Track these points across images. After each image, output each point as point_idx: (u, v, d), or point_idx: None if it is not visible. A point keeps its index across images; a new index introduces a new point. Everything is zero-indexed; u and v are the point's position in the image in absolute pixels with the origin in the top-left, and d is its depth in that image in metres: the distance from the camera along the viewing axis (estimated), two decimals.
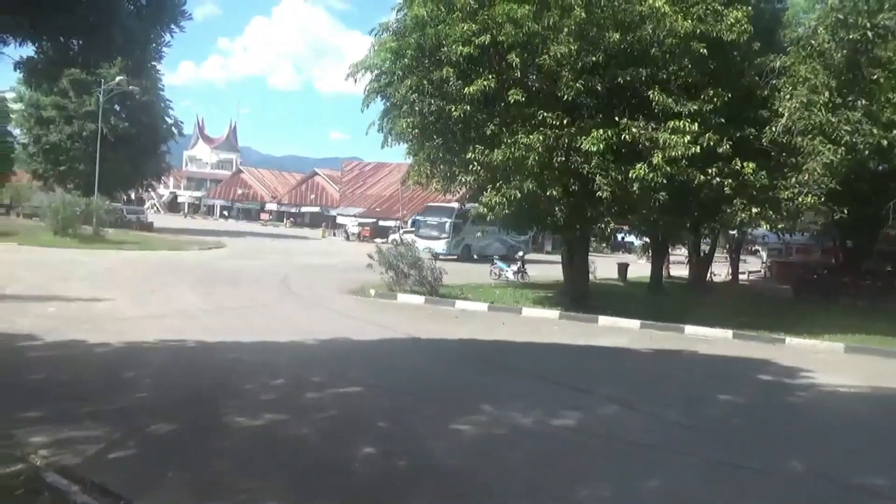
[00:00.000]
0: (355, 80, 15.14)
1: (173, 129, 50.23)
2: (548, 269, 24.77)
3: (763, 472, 5.69)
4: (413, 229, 38.90)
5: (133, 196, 66.23)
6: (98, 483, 4.45)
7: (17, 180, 53.79)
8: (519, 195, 12.72)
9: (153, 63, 7.41)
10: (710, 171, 12.66)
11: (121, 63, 8.41)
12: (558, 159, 12.72)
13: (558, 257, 18.24)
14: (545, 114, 12.66)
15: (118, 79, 34.25)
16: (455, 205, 31.42)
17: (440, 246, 33.20)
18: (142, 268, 19.73)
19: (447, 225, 35.07)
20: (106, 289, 14.34)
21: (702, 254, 26.71)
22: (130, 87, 36.20)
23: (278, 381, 7.58)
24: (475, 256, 34.79)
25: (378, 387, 7.67)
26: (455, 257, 33.39)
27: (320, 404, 6.75)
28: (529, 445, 5.99)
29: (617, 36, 12.40)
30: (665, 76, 12.90)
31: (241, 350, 9.23)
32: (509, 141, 12.62)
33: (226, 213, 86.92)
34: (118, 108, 43.99)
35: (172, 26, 6.80)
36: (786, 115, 12.80)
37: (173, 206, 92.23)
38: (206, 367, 8.13)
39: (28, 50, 6.91)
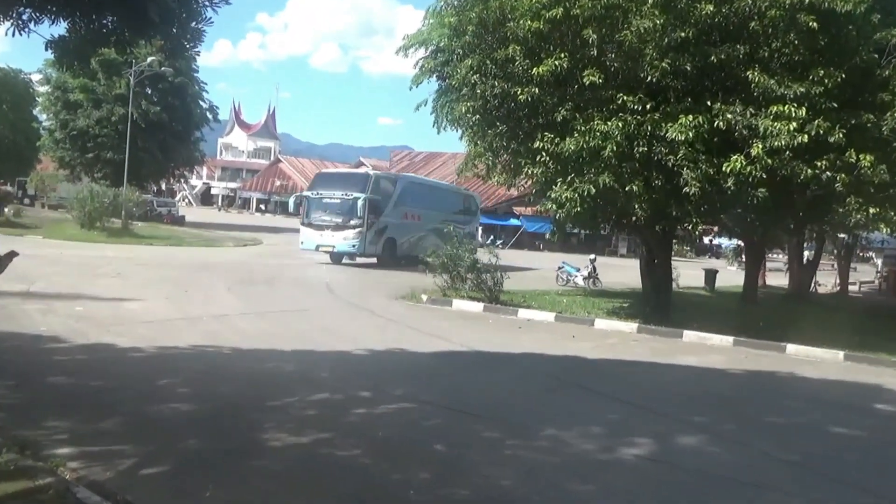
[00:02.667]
0: (406, 55, 15.26)
1: (208, 114, 51.80)
2: (622, 274, 24.41)
3: None
4: (298, 215, 28.99)
5: (164, 187, 68.50)
6: (131, 501, 4.59)
7: (43, 168, 56.53)
8: (593, 190, 12.57)
9: (192, 45, 7.59)
10: (818, 164, 12.24)
11: (157, 44, 8.63)
12: (640, 149, 12.51)
13: (634, 262, 17.96)
14: (625, 97, 12.48)
15: (150, 59, 35.50)
16: (370, 171, 26.53)
17: (348, 242, 24.80)
18: (174, 265, 20.36)
19: (358, 206, 24.67)
20: (136, 288, 14.85)
21: (805, 260, 25.94)
22: (163, 69, 37.37)
23: (322, 394, 7.69)
24: (403, 260, 26.32)
25: (433, 404, 7.68)
26: (374, 260, 25.87)
27: (369, 422, 6.81)
28: (602, 477, 5.89)
29: (710, 7, 12.11)
30: (766, 54, 12.52)
31: (281, 359, 9.42)
32: (583, 128, 12.48)
33: (262, 206, 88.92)
34: (149, 92, 45.63)
35: (215, 0, 6.97)
36: None
37: (206, 198, 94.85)
38: (243, 377, 8.30)
39: (59, 29, 7.21)
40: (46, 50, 7.20)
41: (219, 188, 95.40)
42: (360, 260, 26.06)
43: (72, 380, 7.58)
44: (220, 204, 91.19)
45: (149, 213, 43.58)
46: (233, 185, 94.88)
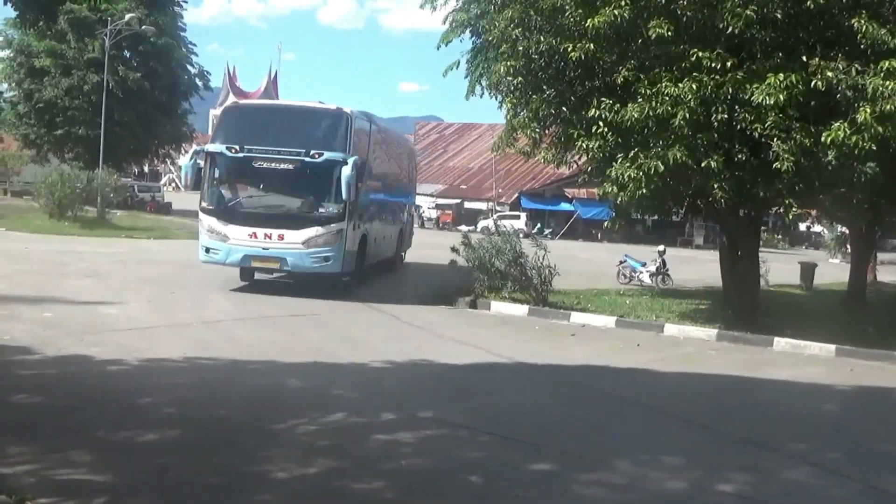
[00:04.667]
0: (434, 8, 15.25)
1: (197, 80, 52.27)
2: (698, 269, 24.20)
3: None
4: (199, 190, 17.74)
5: (146, 169, 69.41)
6: None
7: (5, 148, 57.55)
8: (662, 168, 12.44)
9: None
10: None
11: None
12: (719, 117, 12.36)
13: (712, 254, 17.79)
14: (700, 53, 12.32)
15: (128, 16, 35.98)
16: (343, 109, 17.37)
17: (316, 252, 16.29)
18: (158, 262, 20.61)
19: (338, 178, 15.93)
20: (114, 289, 15.09)
21: None
22: (143, 28, 37.81)
23: (336, 416, 7.72)
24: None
25: (469, 428, 7.66)
26: (345, 279, 17.29)
27: (391, 450, 6.83)
28: None
29: None
30: None
31: (286, 373, 9.50)
32: (649, 92, 12.35)
33: None
34: (128, 55, 46.24)
35: None
36: None
37: (196, 181, 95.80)
38: (241, 395, 8.37)
39: None
40: (5, 4, 7.32)
41: None
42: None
43: (39, 398, 7.69)
44: None
45: (129, 200, 44.15)
46: None
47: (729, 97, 12.28)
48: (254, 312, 13.82)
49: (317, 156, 15.98)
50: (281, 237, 16.18)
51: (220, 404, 7.91)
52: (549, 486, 6.23)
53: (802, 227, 55.28)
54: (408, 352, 11.23)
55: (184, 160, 17.38)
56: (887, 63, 11.65)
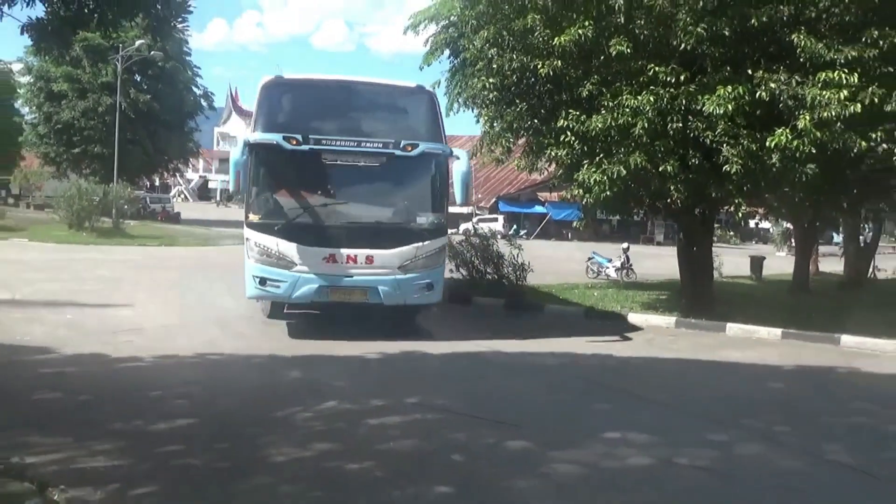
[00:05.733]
0: (416, 32, 15.21)
1: (202, 101, 52.09)
2: (659, 263, 24.28)
3: None
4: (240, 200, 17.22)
5: (157, 182, 69.03)
6: None
7: (27, 166, 57.11)
8: (624, 172, 12.45)
9: (178, 19, 7.57)
10: (874, 135, 12.03)
11: (142, 23, 8.65)
12: (674, 125, 12.37)
13: (671, 250, 17.83)
14: (656, 68, 12.33)
15: (138, 43, 35.72)
16: (423, 85, 12.66)
17: (417, 278, 11.57)
18: (169, 267, 20.51)
19: (434, 177, 12.05)
20: (129, 293, 14.97)
21: (862, 244, 25.62)
22: (152, 53, 37.59)
23: (330, 403, 7.68)
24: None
25: (453, 412, 7.63)
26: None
27: (382, 433, 6.78)
28: (647, 491, 5.82)
29: None
30: (814, 14, 12.30)
31: (287, 366, 9.47)
32: (611, 104, 12.36)
33: None
34: (138, 79, 45.97)
35: None
36: None
37: (204, 192, 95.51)
38: (246, 387, 8.33)
39: (38, 11, 7.24)
40: (23, 34, 7.25)
41: (217, 181, 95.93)
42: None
43: (58, 394, 7.62)
44: (218, 198, 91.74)
45: (142, 211, 43.99)
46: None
47: (683, 108, 12.29)
48: (259, 311, 13.33)
49: (410, 148, 11.24)
50: (370, 260, 11.19)
51: (225, 395, 7.85)
52: (525, 463, 6.20)
53: (751, 223, 55.48)
54: (394, 343, 11.02)
55: (234, 153, 11.13)
56: (824, 74, 11.70)
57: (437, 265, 11.77)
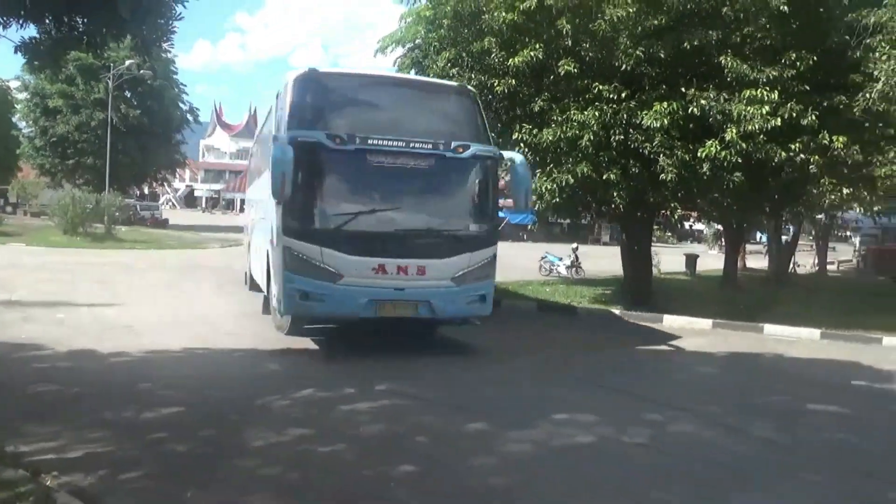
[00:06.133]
0: (385, 54, 15.18)
1: (188, 116, 51.40)
2: (605, 261, 24.47)
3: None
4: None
5: (146, 191, 67.97)
6: None
7: (24, 176, 55.90)
8: (572, 180, 12.54)
9: (164, 40, 7.46)
10: (792, 146, 12.28)
11: (130, 43, 8.50)
12: (616, 138, 12.50)
13: (616, 250, 17.98)
14: (601, 86, 12.46)
15: (128, 62, 35.14)
16: (464, 83, 11.76)
17: (470, 289, 9.90)
18: (158, 269, 20.15)
19: (485, 178, 10.16)
20: (120, 293, 14.67)
21: (783, 242, 26.10)
22: (141, 72, 37.00)
23: (306, 391, 7.61)
24: None
25: (419, 399, 7.63)
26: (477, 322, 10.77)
27: (353, 418, 6.75)
28: (591, 466, 5.86)
29: None
30: (739, 39, 12.56)
31: (269, 359, 9.35)
32: (560, 118, 12.47)
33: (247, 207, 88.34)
34: (129, 95, 45.16)
35: None
36: (882, 79, 12.28)
37: (190, 200, 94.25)
38: (230, 379, 8.22)
39: (31, 31, 7.08)
40: (16, 53, 7.09)
41: (202, 190, 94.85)
42: None
43: (52, 386, 7.43)
44: (203, 206, 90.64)
45: (132, 217, 43.28)
46: (216, 186, 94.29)
47: (624, 122, 12.43)
48: (242, 308, 13.24)
49: (461, 150, 9.62)
50: (421, 270, 9.43)
51: (210, 387, 7.72)
52: (484, 443, 6.22)
53: (686, 225, 56.16)
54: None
55: (277, 150, 8.95)
56: (748, 92, 11.92)
57: (490, 276, 10.05)
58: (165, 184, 69.75)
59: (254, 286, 13.93)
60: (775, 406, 8.20)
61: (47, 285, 15.38)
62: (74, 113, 44.46)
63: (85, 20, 6.96)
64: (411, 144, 9.37)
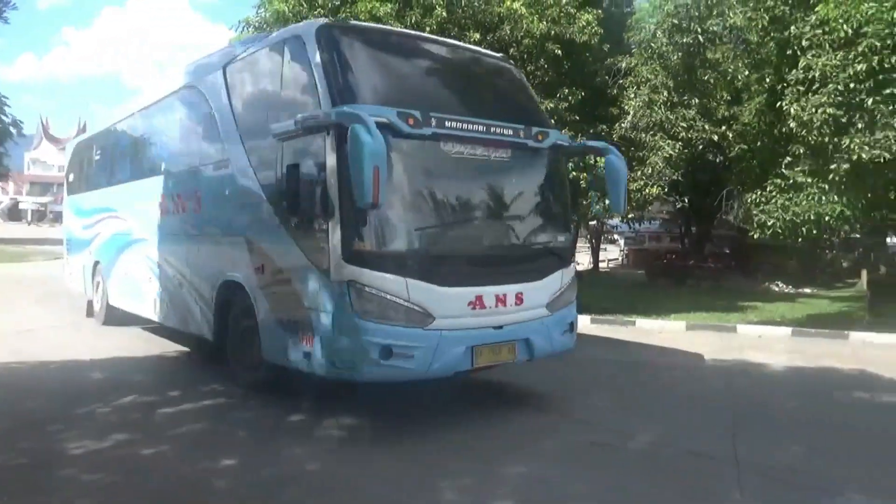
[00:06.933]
0: None
1: (11, 128, 45.72)
2: None
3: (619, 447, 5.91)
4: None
5: None
6: None
7: None
8: None
9: None
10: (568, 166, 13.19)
11: None
12: None
13: None
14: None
15: None
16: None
17: (561, 316, 6.75)
18: None
19: (563, 172, 7.53)
20: None
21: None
22: None
23: (129, 398, 7.08)
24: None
25: (245, 397, 7.32)
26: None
27: (176, 419, 6.39)
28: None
29: (477, 36, 12.69)
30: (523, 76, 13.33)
31: (93, 368, 8.56)
32: None
33: None
34: None
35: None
36: (631, 112, 13.68)
37: (14, 213, 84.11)
38: (49, 390, 7.42)
39: None
40: None
41: (28, 203, 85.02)
42: None
43: None
44: (29, 219, 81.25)
45: None
46: (43, 199, 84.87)
47: None
48: (69, 319, 12.09)
49: (541, 137, 6.69)
50: (519, 298, 6.29)
51: (27, 399, 6.94)
52: (299, 431, 6.11)
53: None
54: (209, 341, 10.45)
55: (362, 134, 5.03)
56: None
57: (574, 298, 7.09)
58: None
59: (110, 319, 11.33)
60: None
61: None
62: None
63: None
64: (492, 129, 6.27)
